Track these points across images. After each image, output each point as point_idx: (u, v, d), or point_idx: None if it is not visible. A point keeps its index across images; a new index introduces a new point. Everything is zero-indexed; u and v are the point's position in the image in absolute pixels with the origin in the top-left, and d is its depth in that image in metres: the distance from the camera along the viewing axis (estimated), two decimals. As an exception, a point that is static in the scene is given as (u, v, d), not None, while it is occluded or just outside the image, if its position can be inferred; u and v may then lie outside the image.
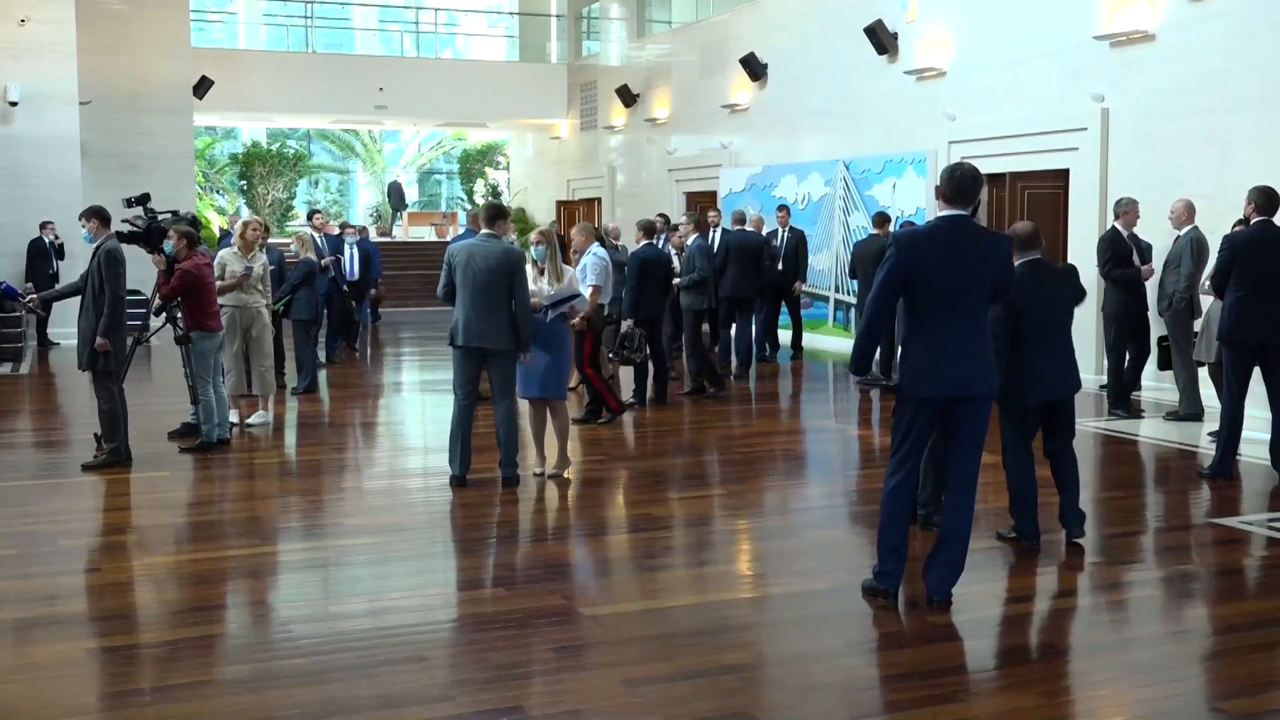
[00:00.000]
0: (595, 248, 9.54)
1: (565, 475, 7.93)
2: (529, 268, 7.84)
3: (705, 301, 11.66)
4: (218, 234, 19.75)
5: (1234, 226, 8.54)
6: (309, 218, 15.64)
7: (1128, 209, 10.24)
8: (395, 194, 29.96)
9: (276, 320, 12.12)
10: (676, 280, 11.73)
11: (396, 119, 28.85)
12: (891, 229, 12.88)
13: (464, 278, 7.42)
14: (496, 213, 7.76)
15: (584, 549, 6.50)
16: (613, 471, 8.50)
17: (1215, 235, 8.28)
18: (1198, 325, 9.68)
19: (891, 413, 5.34)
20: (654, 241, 11.18)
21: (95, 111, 17.79)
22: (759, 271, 13.02)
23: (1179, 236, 9.90)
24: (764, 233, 14.05)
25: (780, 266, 14.10)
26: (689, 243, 11.88)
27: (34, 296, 8.67)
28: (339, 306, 14.27)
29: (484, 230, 7.66)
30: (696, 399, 11.25)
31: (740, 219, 13.68)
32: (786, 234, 14.38)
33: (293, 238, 12.85)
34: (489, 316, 7.40)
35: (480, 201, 31.15)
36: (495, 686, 4.42)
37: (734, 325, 13.19)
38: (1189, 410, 9.86)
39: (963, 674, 4.65)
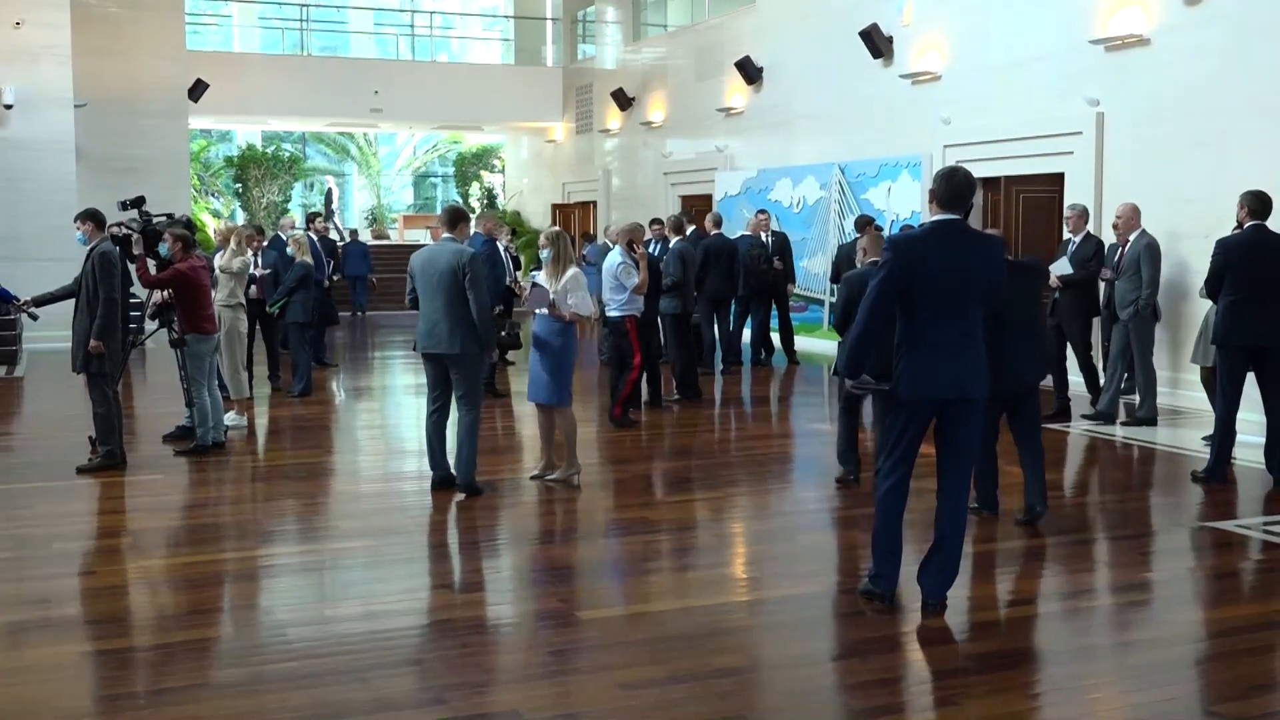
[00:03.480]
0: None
1: (574, 481, 7.92)
2: (541, 271, 7.87)
3: (681, 306, 11.61)
4: (214, 238, 19.70)
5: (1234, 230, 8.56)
6: (308, 221, 15.55)
7: (1067, 215, 10.49)
8: (328, 201, 29.35)
9: (272, 322, 12.16)
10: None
11: (392, 122, 28.83)
12: (885, 234, 12.89)
13: (422, 284, 7.42)
14: (454, 216, 7.63)
15: (579, 552, 6.50)
16: (607, 475, 8.49)
17: (1210, 239, 8.29)
18: (1157, 330, 9.81)
19: (883, 416, 5.33)
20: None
21: (90, 114, 17.77)
22: (733, 273, 13.19)
23: (1130, 242, 9.88)
24: (764, 234, 14.09)
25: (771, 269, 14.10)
26: (671, 245, 11.90)
27: (28, 299, 8.65)
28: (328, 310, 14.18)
29: (445, 234, 7.60)
30: (693, 403, 11.25)
31: (717, 222, 13.78)
32: (770, 237, 14.37)
33: (289, 241, 12.83)
34: (443, 321, 7.33)
35: (478, 205, 31.18)
36: (490, 690, 4.42)
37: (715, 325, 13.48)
38: (1147, 414, 9.87)
39: (958, 677, 4.65)
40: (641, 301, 10.06)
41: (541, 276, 7.94)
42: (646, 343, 10.49)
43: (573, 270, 7.97)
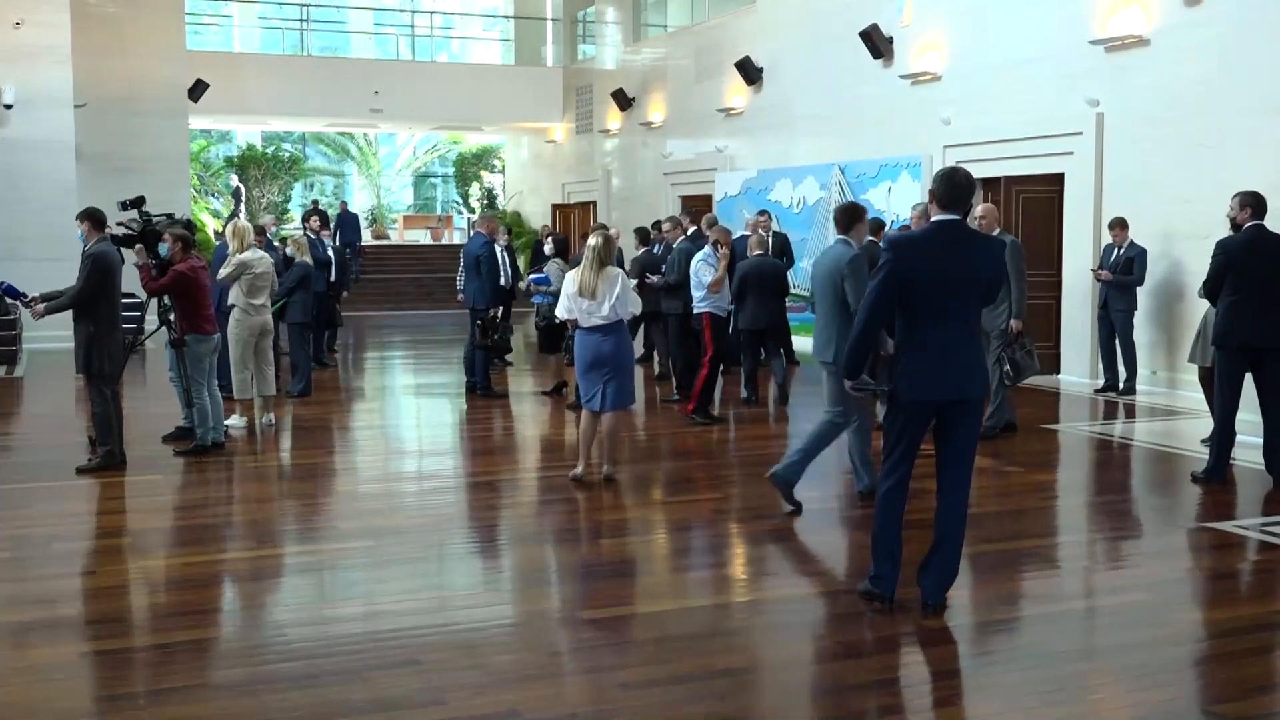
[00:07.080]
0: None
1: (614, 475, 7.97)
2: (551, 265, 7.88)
3: (683, 306, 11.50)
4: (214, 238, 19.72)
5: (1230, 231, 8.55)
6: (304, 220, 15.54)
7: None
8: (237, 196, 29.07)
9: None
10: (653, 279, 11.82)
11: (392, 122, 28.85)
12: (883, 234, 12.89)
13: (815, 288, 7.31)
14: (849, 216, 7.22)
15: (579, 552, 6.50)
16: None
17: (1209, 239, 8.29)
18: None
19: (884, 417, 5.34)
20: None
21: (90, 114, 17.78)
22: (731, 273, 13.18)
23: None
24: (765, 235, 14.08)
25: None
26: (675, 245, 11.90)
27: (35, 296, 8.63)
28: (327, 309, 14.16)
29: (838, 235, 7.29)
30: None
31: (711, 224, 13.76)
32: (771, 238, 14.33)
33: (289, 240, 12.83)
34: (825, 328, 7.15)
35: (477, 205, 31.22)
36: (490, 690, 4.42)
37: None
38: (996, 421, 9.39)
39: (958, 677, 4.66)
40: (722, 300, 10.58)
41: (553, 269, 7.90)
42: (720, 342, 10.58)
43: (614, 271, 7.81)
